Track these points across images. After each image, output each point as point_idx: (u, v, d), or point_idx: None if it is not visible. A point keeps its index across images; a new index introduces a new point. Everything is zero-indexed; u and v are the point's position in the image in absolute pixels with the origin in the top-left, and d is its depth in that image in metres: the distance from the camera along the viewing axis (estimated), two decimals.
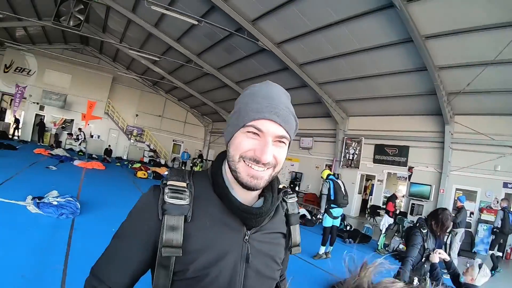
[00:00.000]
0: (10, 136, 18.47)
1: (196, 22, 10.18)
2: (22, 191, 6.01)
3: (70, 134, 20.35)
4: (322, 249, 6.14)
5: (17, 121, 19.30)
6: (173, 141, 25.63)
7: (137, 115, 23.99)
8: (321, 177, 6.76)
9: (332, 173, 6.68)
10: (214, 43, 12.58)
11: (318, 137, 14.51)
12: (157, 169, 15.02)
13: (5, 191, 6.01)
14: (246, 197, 0.80)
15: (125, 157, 21.98)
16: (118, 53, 20.23)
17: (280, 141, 0.75)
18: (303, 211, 10.28)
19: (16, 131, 19.43)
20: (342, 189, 6.18)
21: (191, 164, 22.34)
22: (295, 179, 15.34)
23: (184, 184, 0.79)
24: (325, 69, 10.89)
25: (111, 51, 20.80)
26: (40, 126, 19.41)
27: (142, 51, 15.88)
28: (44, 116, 20.02)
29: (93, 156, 17.82)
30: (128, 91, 23.47)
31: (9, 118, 20.51)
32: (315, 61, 10.67)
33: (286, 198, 0.95)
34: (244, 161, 0.74)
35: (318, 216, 10.29)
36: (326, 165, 13.84)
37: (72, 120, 21.23)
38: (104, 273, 0.77)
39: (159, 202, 0.76)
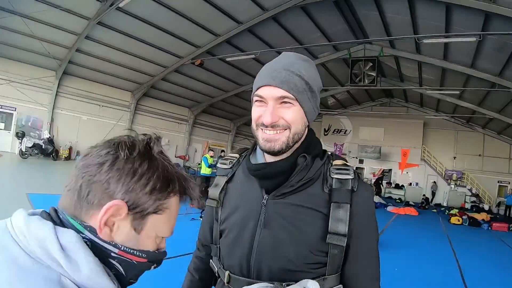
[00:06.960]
0: None
1: (474, 39, 8.68)
2: None
3: (389, 183, 22.09)
4: None
5: None
6: (498, 182, 20.15)
7: (455, 158, 21.62)
8: None
9: None
10: (509, 55, 9.80)
11: None
12: (475, 215, 12.43)
13: None
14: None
15: (444, 204, 20.07)
16: (423, 97, 20.03)
17: (284, 102, 0.76)
18: None
19: None
20: None
21: None
22: None
23: (237, 155, 0.94)
24: None
25: (415, 97, 20.98)
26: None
27: (442, 89, 14.97)
28: (364, 168, 23.43)
29: (410, 203, 17.95)
30: (442, 134, 22.01)
31: None
32: None
33: (333, 171, 0.80)
34: (261, 129, 0.78)
35: None
36: None
37: (390, 170, 22.99)
38: (199, 233, 1.01)
39: None
